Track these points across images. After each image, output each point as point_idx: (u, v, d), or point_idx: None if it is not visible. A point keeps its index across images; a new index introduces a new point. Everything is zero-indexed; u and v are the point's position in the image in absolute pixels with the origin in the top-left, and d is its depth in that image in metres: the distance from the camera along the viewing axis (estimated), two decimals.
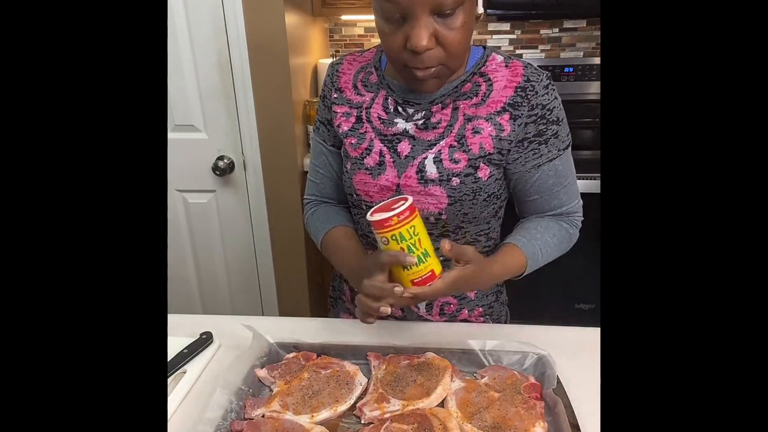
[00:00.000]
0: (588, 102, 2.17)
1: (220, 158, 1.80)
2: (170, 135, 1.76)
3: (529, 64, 0.84)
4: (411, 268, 0.73)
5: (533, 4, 1.92)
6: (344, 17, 2.18)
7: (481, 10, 0.81)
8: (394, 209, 0.71)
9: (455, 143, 0.83)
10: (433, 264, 0.74)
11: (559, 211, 0.89)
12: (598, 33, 2.16)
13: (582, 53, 2.20)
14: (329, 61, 0.98)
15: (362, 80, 0.91)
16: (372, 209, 0.75)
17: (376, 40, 1.01)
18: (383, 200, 0.84)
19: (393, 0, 0.69)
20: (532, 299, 1.96)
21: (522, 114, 0.81)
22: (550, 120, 0.82)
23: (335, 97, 0.92)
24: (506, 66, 0.83)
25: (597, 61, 2.15)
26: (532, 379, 0.76)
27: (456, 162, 0.82)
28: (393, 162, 0.85)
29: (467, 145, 0.82)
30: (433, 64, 0.74)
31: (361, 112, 0.89)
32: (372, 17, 0.79)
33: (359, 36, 2.24)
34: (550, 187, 0.86)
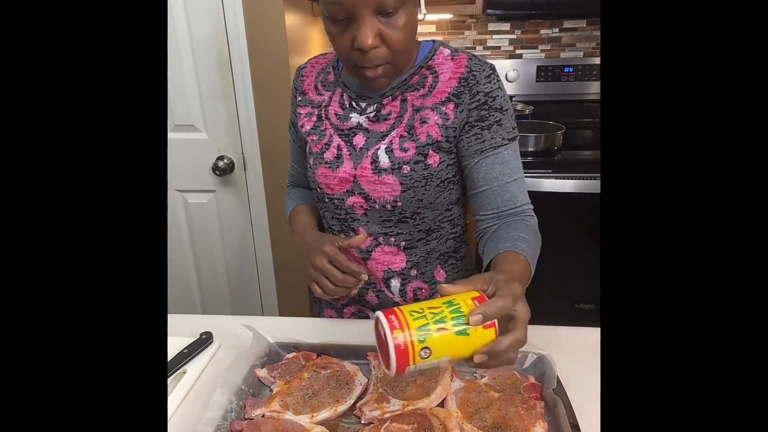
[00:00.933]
0: (588, 102, 2.18)
1: (220, 158, 1.80)
2: (170, 135, 1.76)
3: (473, 56, 0.87)
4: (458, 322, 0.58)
5: (533, 4, 1.92)
6: None
7: (424, 11, 0.85)
8: (384, 338, 0.57)
9: (405, 133, 0.86)
10: (465, 296, 0.61)
11: (512, 208, 0.87)
12: (598, 33, 2.16)
13: (582, 53, 2.20)
14: (301, 64, 1.02)
15: (322, 81, 0.97)
16: (383, 368, 0.65)
17: None
18: (337, 213, 0.92)
19: (338, 2, 0.73)
20: (532, 299, 1.96)
21: (464, 101, 0.84)
22: (493, 107, 0.85)
23: (299, 100, 0.99)
24: (452, 59, 0.87)
25: (597, 61, 2.15)
26: (532, 379, 0.76)
27: (405, 151, 0.86)
28: (349, 154, 0.89)
29: (416, 135, 0.86)
30: (380, 62, 0.79)
31: (321, 110, 0.95)
32: None
33: None
34: (498, 177, 0.86)
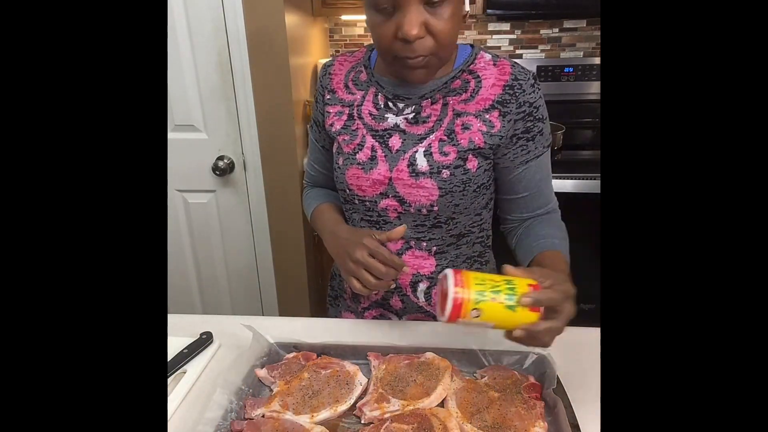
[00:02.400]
0: (588, 102, 2.17)
1: (220, 158, 1.80)
2: (170, 135, 1.76)
3: (515, 63, 0.87)
4: (514, 304, 0.65)
5: (533, 4, 1.92)
6: (344, 17, 2.18)
7: (467, 8, 0.83)
8: (446, 289, 0.65)
9: (445, 137, 0.85)
10: (523, 281, 0.67)
11: (545, 209, 0.92)
12: (598, 33, 2.16)
13: (582, 53, 2.20)
14: (327, 60, 1.00)
15: (353, 79, 0.94)
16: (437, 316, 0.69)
17: None
18: (367, 215, 0.90)
19: None
20: None
21: (511, 111, 0.84)
22: (537, 117, 0.85)
23: (328, 99, 0.95)
24: (494, 65, 0.86)
25: (597, 61, 2.15)
26: (532, 379, 0.76)
27: (446, 155, 0.84)
28: (385, 156, 0.87)
29: (457, 139, 0.85)
30: (424, 53, 0.76)
31: (352, 110, 0.92)
32: None
33: (359, 36, 2.24)
34: (537, 183, 0.89)
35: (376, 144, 0.88)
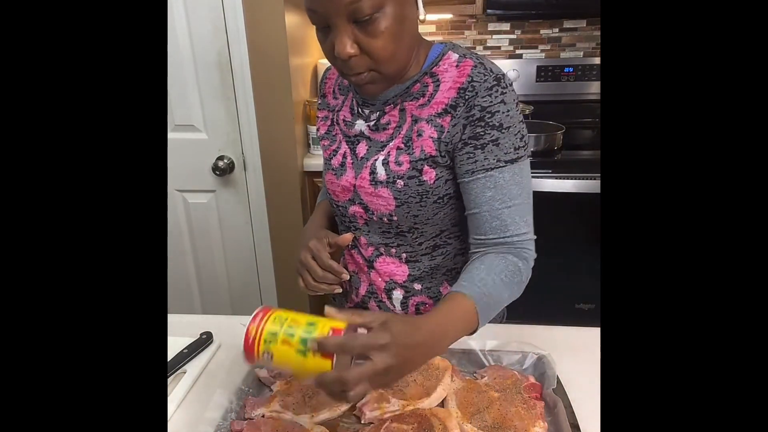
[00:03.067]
0: (588, 102, 2.17)
1: (220, 158, 1.80)
2: (170, 135, 1.76)
3: (480, 63, 0.78)
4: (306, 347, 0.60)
5: (533, 4, 1.92)
6: None
7: (421, 13, 0.79)
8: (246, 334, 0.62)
9: (402, 145, 0.82)
10: (329, 323, 0.62)
11: (502, 237, 0.78)
12: (598, 33, 2.16)
13: (582, 53, 2.20)
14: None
15: (339, 84, 0.94)
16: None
17: None
18: (342, 221, 0.92)
19: (313, 9, 0.72)
20: (532, 299, 1.96)
21: (459, 114, 0.77)
22: (490, 124, 0.76)
23: (320, 103, 0.97)
24: (456, 66, 0.79)
25: (597, 61, 2.15)
26: (532, 379, 0.76)
27: (399, 164, 0.81)
28: (352, 163, 0.87)
29: (412, 148, 0.81)
30: (362, 71, 0.75)
31: (334, 115, 0.92)
32: None
33: None
34: (489, 202, 0.77)
35: (348, 150, 0.88)
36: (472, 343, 0.81)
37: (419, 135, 0.80)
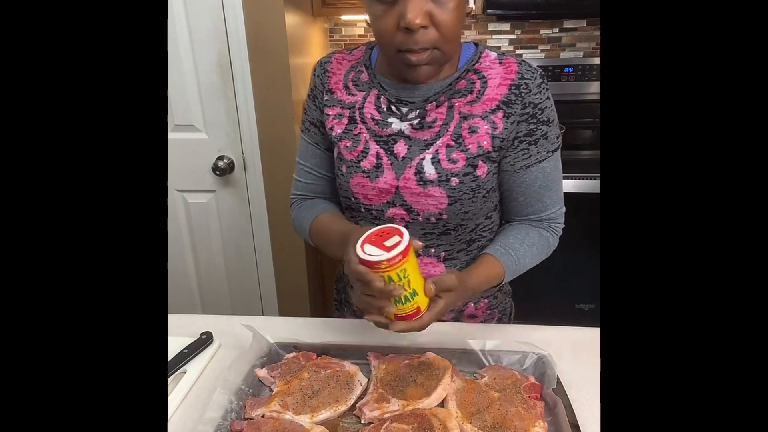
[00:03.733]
0: (588, 102, 2.17)
1: (220, 158, 1.80)
2: (170, 135, 1.76)
3: (523, 61, 0.83)
4: (396, 304, 0.70)
5: (533, 4, 1.92)
6: (344, 17, 2.18)
7: (471, 4, 0.80)
8: (389, 249, 0.67)
9: (452, 142, 0.82)
10: (420, 301, 0.71)
11: (540, 216, 0.89)
12: (598, 33, 2.16)
13: (582, 53, 2.20)
14: (323, 57, 0.96)
15: (353, 79, 0.89)
16: (362, 239, 0.69)
17: None
18: (375, 223, 0.84)
19: None
20: (532, 299, 1.95)
21: (515, 112, 0.81)
22: (541, 120, 0.82)
23: (326, 99, 0.90)
24: (500, 63, 0.82)
25: (597, 61, 2.15)
26: (532, 379, 0.76)
27: (454, 162, 0.81)
28: (391, 164, 0.84)
29: (465, 145, 0.81)
30: (427, 46, 0.74)
31: (353, 112, 0.87)
32: None
33: (359, 36, 2.24)
34: (537, 190, 0.86)
35: (381, 151, 0.84)
36: (472, 343, 0.82)
37: (473, 131, 0.81)
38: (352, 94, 0.88)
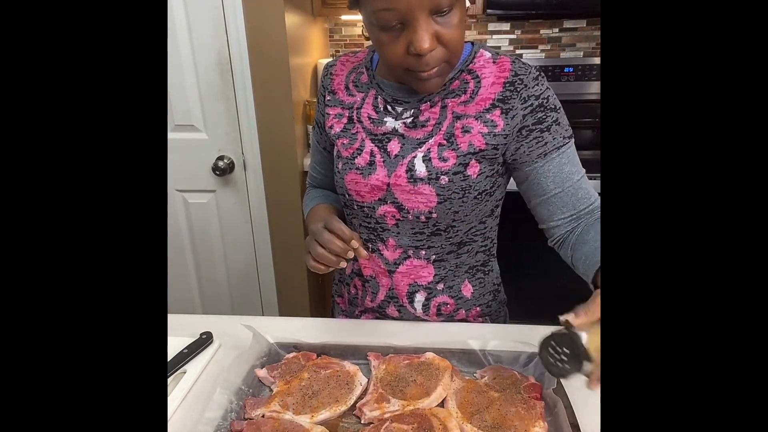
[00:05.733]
0: (588, 102, 2.17)
1: (220, 158, 1.80)
2: (170, 135, 1.76)
3: (516, 59, 0.83)
4: None
5: (533, 4, 1.92)
6: (344, 17, 2.18)
7: (468, 3, 0.81)
8: None
9: (444, 141, 0.82)
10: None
11: (589, 205, 0.84)
12: (598, 33, 2.16)
13: (582, 53, 2.20)
14: (329, 61, 0.99)
15: (354, 81, 0.92)
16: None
17: None
18: (367, 222, 0.88)
19: (392, 8, 0.69)
20: (532, 299, 1.96)
21: (514, 107, 0.80)
22: (548, 107, 0.81)
23: (329, 100, 0.93)
24: (494, 62, 0.83)
25: (597, 61, 2.15)
26: (532, 379, 0.76)
27: (445, 160, 0.82)
28: (383, 161, 0.85)
29: (457, 144, 0.82)
30: (437, 65, 0.75)
31: (352, 112, 0.90)
32: None
33: (359, 36, 2.24)
34: (569, 176, 0.82)
35: (375, 149, 0.86)
36: (472, 343, 0.82)
37: (466, 131, 0.82)
38: (352, 95, 0.91)
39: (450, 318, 0.95)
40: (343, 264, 0.79)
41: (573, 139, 0.84)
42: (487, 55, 0.84)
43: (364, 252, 0.78)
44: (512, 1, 1.93)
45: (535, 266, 1.84)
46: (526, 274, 1.83)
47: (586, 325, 0.65)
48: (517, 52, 2.23)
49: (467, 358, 0.81)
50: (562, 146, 0.82)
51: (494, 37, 2.23)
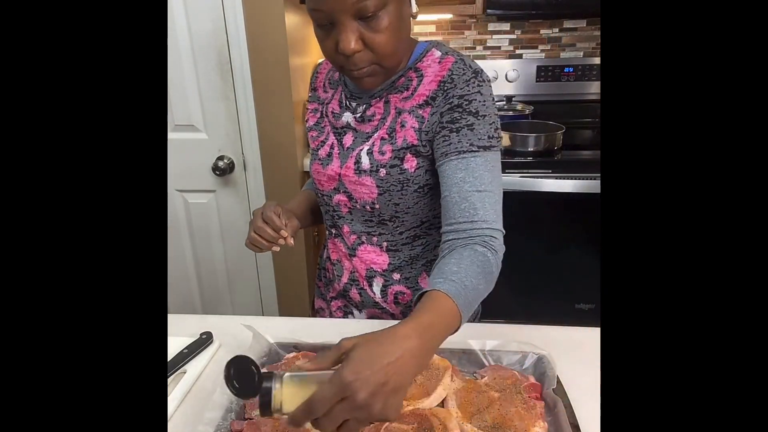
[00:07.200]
0: (588, 102, 2.17)
1: (220, 158, 1.80)
2: (170, 135, 1.76)
3: (462, 59, 0.82)
4: None
5: (533, 4, 1.92)
6: None
7: (415, 8, 0.82)
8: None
9: (386, 135, 0.86)
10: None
11: (470, 221, 0.76)
12: (598, 33, 2.16)
13: (582, 53, 2.20)
14: (321, 60, 1.03)
15: (329, 78, 0.98)
16: None
17: None
18: (326, 210, 0.97)
19: (318, 9, 0.75)
20: (532, 299, 1.96)
21: (439, 104, 0.82)
22: (467, 110, 0.79)
23: (310, 96, 1.01)
24: (439, 62, 0.84)
25: (597, 61, 2.15)
26: (532, 379, 0.76)
27: (383, 154, 0.86)
28: (338, 153, 0.91)
29: (395, 138, 0.85)
30: (364, 65, 0.79)
31: (324, 107, 0.97)
32: None
33: None
34: (459, 183, 0.77)
35: (335, 141, 0.92)
36: (472, 343, 0.82)
37: (402, 126, 0.85)
38: (326, 92, 0.98)
39: (407, 307, 0.97)
40: (276, 248, 0.89)
41: (490, 153, 0.79)
42: (437, 54, 0.85)
43: (291, 241, 0.88)
44: (512, 1, 1.93)
45: (535, 266, 1.84)
46: (525, 274, 1.83)
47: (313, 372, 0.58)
48: (517, 52, 2.23)
49: (467, 358, 0.81)
50: (465, 152, 0.78)
51: (494, 37, 2.23)
